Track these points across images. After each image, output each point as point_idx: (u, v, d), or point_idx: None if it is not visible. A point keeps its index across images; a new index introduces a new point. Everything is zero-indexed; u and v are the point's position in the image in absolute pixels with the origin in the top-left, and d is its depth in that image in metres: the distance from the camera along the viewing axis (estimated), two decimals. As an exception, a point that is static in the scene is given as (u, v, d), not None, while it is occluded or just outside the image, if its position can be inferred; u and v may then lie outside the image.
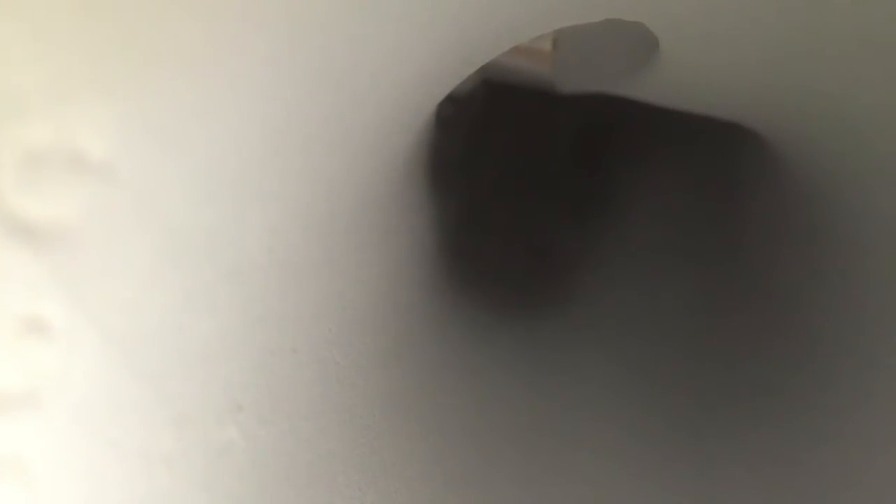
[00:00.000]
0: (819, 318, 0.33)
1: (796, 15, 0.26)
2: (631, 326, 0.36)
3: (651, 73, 0.30)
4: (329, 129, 0.22)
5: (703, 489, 0.30)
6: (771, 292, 0.35)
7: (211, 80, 0.16)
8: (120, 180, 0.15)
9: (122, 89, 0.14)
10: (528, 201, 0.39)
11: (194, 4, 0.15)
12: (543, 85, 0.34)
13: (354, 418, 0.25)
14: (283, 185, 0.21)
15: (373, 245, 0.27)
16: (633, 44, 0.28)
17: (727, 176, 0.37)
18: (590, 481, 0.31)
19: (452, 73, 0.26)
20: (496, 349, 0.34)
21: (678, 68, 0.30)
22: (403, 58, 0.23)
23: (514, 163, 0.39)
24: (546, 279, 0.37)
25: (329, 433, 0.24)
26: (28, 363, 0.15)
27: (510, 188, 0.38)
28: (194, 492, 0.18)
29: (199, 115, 0.16)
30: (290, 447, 0.21)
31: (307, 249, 0.22)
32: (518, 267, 0.37)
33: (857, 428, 0.29)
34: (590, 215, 0.39)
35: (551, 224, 0.39)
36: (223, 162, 0.17)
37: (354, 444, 0.26)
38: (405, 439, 0.29)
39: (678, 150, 0.38)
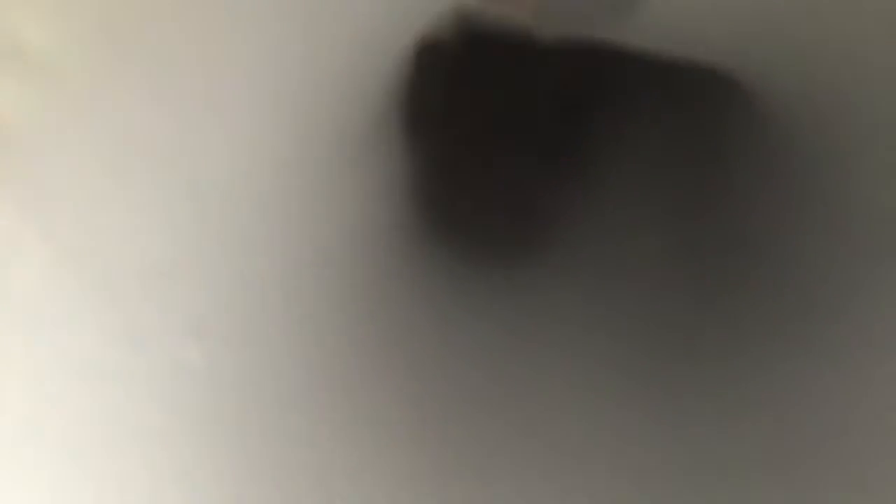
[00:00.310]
0: (792, 269, 0.33)
1: None
2: (608, 273, 0.36)
3: (636, 15, 0.30)
4: (302, 60, 0.22)
5: (670, 416, 0.31)
6: (748, 243, 0.35)
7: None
8: (62, 76, 0.14)
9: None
10: (507, 155, 0.39)
11: None
12: (524, 31, 0.34)
13: (324, 357, 0.25)
14: (250, 107, 0.20)
15: (344, 182, 0.27)
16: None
17: (710, 129, 0.36)
18: (566, 410, 0.31)
19: (424, 10, 0.25)
20: (471, 297, 0.34)
21: (665, 9, 0.30)
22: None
23: (493, 116, 0.39)
24: (523, 231, 0.37)
25: (297, 369, 0.23)
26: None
27: (489, 141, 0.38)
28: (150, 410, 0.17)
29: (160, 17, 0.15)
30: (255, 376, 0.21)
31: (274, 178, 0.22)
32: (494, 219, 0.36)
33: (814, 370, 0.30)
34: (569, 169, 0.39)
35: (529, 177, 0.38)
36: (185, 71, 0.17)
37: (324, 385, 0.26)
38: (377, 381, 0.29)
39: (661, 104, 0.38)
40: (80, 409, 0.15)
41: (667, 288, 0.36)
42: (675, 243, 0.37)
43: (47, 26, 0.13)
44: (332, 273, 0.28)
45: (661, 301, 0.36)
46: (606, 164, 0.39)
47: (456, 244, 0.34)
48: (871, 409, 0.28)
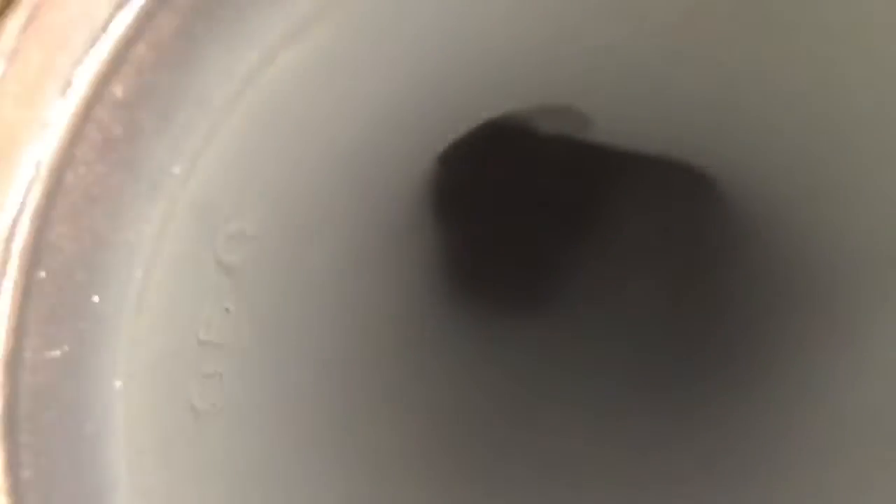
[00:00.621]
0: (755, 321, 0.40)
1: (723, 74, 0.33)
2: (605, 324, 0.44)
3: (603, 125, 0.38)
4: (357, 176, 0.31)
5: (652, 440, 0.38)
6: (722, 300, 0.43)
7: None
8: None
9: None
10: (523, 227, 0.48)
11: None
12: (528, 127, 0.43)
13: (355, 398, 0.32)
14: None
15: (388, 259, 0.36)
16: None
17: (686, 211, 0.45)
18: (568, 434, 0.38)
19: (445, 136, 0.34)
20: (488, 346, 0.42)
21: (617, 133, 0.38)
22: (408, 124, 0.32)
23: (510, 194, 0.48)
24: (535, 290, 0.46)
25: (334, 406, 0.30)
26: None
27: (512, 219, 0.47)
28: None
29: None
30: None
31: (333, 261, 0.30)
32: (512, 279, 0.45)
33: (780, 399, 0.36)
34: (577, 239, 0.48)
35: (544, 246, 0.47)
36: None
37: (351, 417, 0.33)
38: (402, 418, 0.36)
39: (649, 188, 0.46)
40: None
41: (654, 338, 0.44)
42: (659, 298, 0.45)
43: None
44: (380, 331, 0.35)
45: (649, 346, 0.43)
46: (607, 237, 0.47)
47: (478, 298, 0.43)
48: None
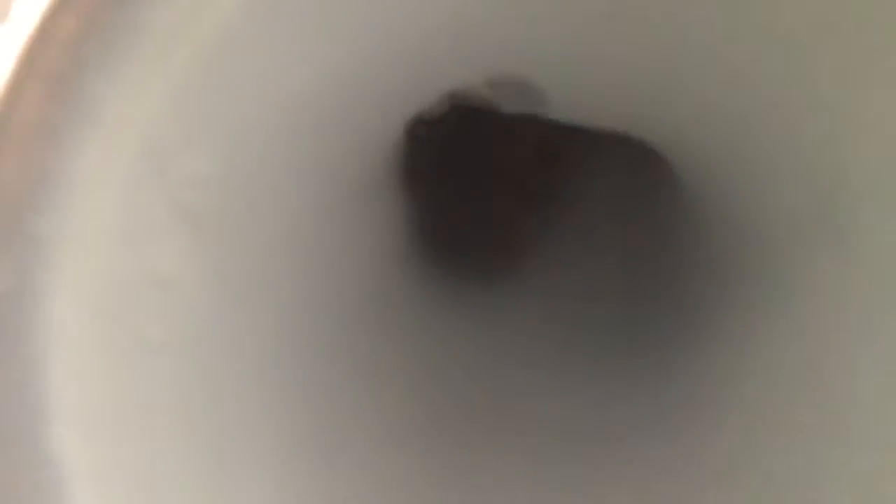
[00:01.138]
0: (706, 290, 0.41)
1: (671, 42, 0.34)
2: (569, 291, 0.45)
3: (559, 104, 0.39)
4: (318, 136, 0.31)
5: (618, 406, 0.39)
6: (673, 272, 0.44)
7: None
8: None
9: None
10: (493, 202, 0.48)
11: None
12: (492, 106, 0.44)
13: (320, 363, 0.33)
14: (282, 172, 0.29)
15: (354, 225, 0.36)
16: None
17: (641, 185, 0.45)
18: (532, 398, 0.39)
19: (406, 105, 0.35)
20: (455, 316, 0.43)
21: (573, 103, 0.39)
22: (367, 89, 0.32)
23: (480, 171, 0.48)
24: (502, 259, 0.46)
25: (299, 372, 0.31)
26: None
27: (477, 191, 0.48)
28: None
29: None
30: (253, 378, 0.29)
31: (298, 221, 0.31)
32: (479, 249, 0.46)
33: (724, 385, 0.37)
34: (544, 212, 0.48)
35: (511, 219, 0.48)
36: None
37: (315, 383, 0.33)
38: (371, 381, 0.37)
39: (607, 162, 0.47)
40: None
41: (612, 311, 0.45)
42: (620, 269, 0.46)
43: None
44: (343, 287, 0.36)
45: (606, 318, 0.44)
46: (571, 210, 0.48)
47: (446, 269, 0.44)
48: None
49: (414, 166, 0.43)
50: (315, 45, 0.25)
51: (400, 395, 0.36)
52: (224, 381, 0.24)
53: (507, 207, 0.48)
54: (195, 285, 0.22)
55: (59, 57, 0.19)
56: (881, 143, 0.29)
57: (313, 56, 0.25)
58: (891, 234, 0.30)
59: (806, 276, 0.34)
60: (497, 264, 0.47)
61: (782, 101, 0.32)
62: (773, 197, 0.34)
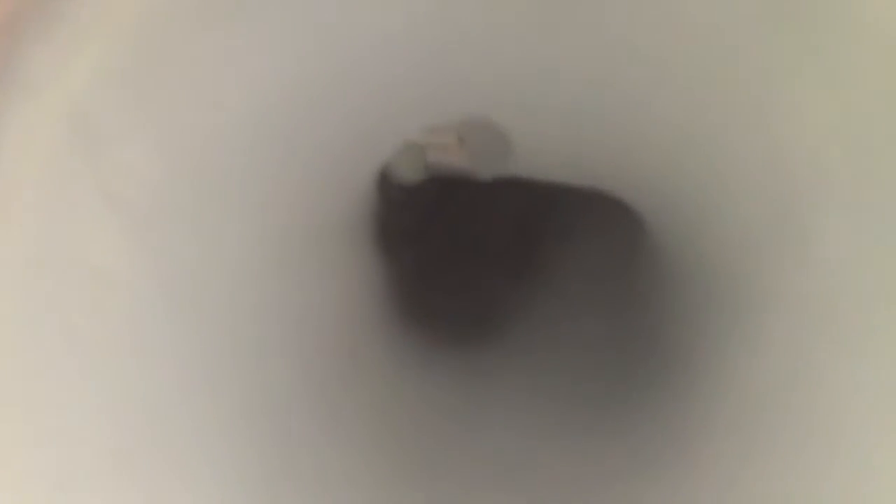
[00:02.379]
0: (679, 350, 0.40)
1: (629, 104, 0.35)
2: (549, 359, 0.44)
3: (530, 158, 0.39)
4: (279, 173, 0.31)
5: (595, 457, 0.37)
6: (650, 334, 0.43)
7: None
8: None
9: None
10: (473, 267, 0.48)
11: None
12: (469, 175, 0.44)
13: (275, 394, 0.31)
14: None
15: (326, 275, 0.36)
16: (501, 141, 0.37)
17: (618, 246, 0.45)
18: (514, 452, 0.37)
19: (368, 149, 0.35)
20: (433, 376, 0.42)
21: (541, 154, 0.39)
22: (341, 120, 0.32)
23: (461, 237, 0.48)
24: (481, 323, 0.46)
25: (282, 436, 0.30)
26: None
27: (457, 256, 0.47)
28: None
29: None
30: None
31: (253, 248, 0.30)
32: (457, 313, 0.45)
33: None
34: (523, 279, 0.48)
35: (491, 285, 0.47)
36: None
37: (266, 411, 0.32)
38: (349, 447, 0.35)
39: (583, 217, 0.47)
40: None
41: (594, 365, 0.43)
42: (599, 332, 0.45)
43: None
44: (312, 348, 0.35)
45: (588, 373, 0.43)
46: (551, 277, 0.47)
47: (424, 331, 0.43)
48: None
49: (391, 230, 0.43)
50: (271, 62, 0.25)
51: (359, 442, 0.34)
52: (160, 389, 0.23)
53: (484, 276, 0.48)
54: (130, 282, 0.22)
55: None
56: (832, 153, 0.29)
57: (268, 72, 0.25)
58: (848, 246, 0.29)
59: (774, 304, 0.33)
60: (474, 331, 0.46)
61: (740, 144, 0.32)
62: (734, 222, 0.34)
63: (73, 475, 0.21)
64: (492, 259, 0.48)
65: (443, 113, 0.34)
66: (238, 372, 0.29)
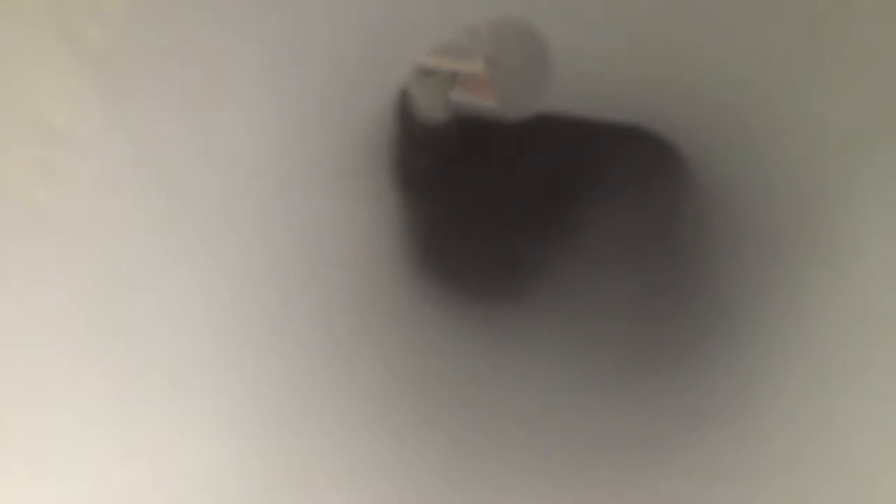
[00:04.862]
0: (719, 300, 0.36)
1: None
2: (576, 314, 0.39)
3: (566, 87, 0.35)
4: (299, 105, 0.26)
5: (625, 419, 0.32)
6: (695, 287, 0.38)
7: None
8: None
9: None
10: (497, 221, 0.43)
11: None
12: (496, 116, 0.39)
13: (318, 372, 0.28)
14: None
15: (340, 214, 0.31)
16: (540, 54, 0.33)
17: (651, 187, 0.40)
18: (535, 412, 0.33)
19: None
20: (454, 330, 0.37)
21: (583, 80, 0.34)
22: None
23: (485, 188, 0.43)
24: (507, 278, 0.40)
25: (298, 381, 0.26)
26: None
27: (480, 208, 0.42)
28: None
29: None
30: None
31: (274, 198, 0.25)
32: (482, 267, 0.40)
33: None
34: (552, 235, 0.43)
35: (517, 241, 0.42)
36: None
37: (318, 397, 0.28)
38: (365, 393, 0.31)
39: (614, 169, 0.42)
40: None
41: (621, 324, 0.39)
42: (632, 290, 0.40)
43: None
44: (328, 293, 0.31)
45: (613, 331, 0.38)
46: (579, 224, 0.42)
47: (446, 281, 0.38)
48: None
49: (410, 168, 0.38)
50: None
51: (374, 391, 0.29)
52: (130, 278, 0.18)
53: (509, 232, 0.43)
54: (96, 143, 0.17)
55: None
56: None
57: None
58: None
59: (821, 258, 0.28)
60: (498, 288, 0.41)
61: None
62: (782, 173, 0.29)
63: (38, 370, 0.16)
64: (518, 213, 0.43)
65: (473, 15, 0.29)
66: (240, 297, 0.24)
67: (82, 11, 0.16)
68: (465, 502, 0.28)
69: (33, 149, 0.16)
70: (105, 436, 0.21)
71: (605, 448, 0.32)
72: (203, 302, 0.23)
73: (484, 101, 0.39)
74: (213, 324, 0.24)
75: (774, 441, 0.29)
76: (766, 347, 0.32)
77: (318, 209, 0.31)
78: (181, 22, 0.18)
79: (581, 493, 0.29)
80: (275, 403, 0.27)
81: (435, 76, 0.37)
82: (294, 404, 0.27)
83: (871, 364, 0.26)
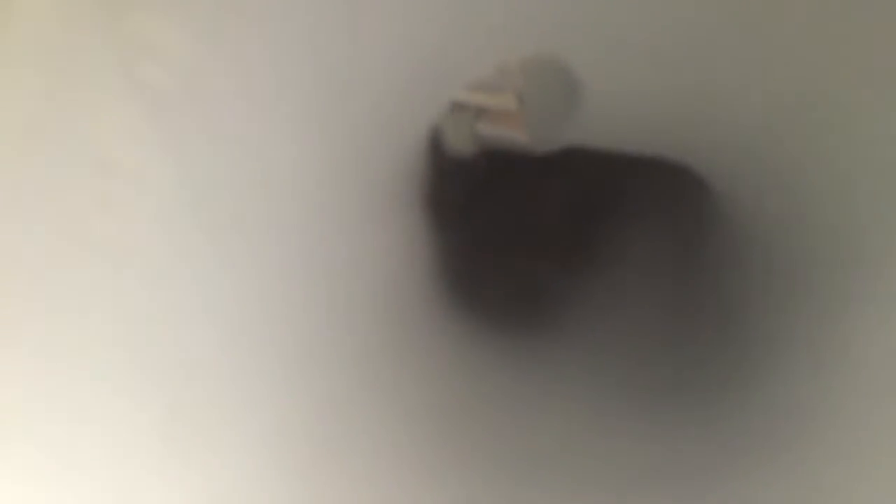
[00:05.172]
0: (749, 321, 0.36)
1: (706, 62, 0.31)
2: (603, 345, 0.39)
3: (593, 122, 0.35)
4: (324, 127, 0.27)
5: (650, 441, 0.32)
6: (715, 314, 0.38)
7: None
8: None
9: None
10: (523, 251, 0.43)
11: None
12: (524, 149, 0.40)
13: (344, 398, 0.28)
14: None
15: (370, 243, 0.32)
16: (569, 90, 0.33)
17: (677, 215, 0.41)
18: (563, 443, 0.33)
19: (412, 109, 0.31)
20: (480, 357, 0.37)
21: (610, 115, 0.35)
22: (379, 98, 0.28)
23: (511, 218, 0.44)
24: (533, 309, 0.41)
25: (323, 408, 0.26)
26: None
27: (506, 238, 0.43)
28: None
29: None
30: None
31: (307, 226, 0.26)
32: (508, 295, 0.40)
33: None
34: (574, 260, 0.43)
35: (541, 266, 0.43)
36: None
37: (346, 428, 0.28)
38: (393, 424, 0.31)
39: (640, 200, 0.42)
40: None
41: (648, 352, 0.39)
42: (659, 319, 0.40)
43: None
44: (360, 319, 0.31)
45: (640, 359, 0.38)
46: (605, 254, 0.43)
47: (473, 312, 0.38)
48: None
49: (440, 200, 0.39)
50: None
51: (401, 415, 0.29)
52: (181, 323, 0.19)
53: (535, 263, 0.43)
54: (154, 178, 0.18)
55: None
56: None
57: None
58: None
59: (838, 306, 0.29)
60: (524, 316, 0.41)
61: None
62: (805, 216, 0.30)
63: (73, 406, 0.17)
64: (543, 245, 0.43)
65: (504, 54, 0.30)
66: (279, 323, 0.24)
67: (142, 52, 0.17)
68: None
69: (92, 182, 0.17)
70: (147, 457, 0.21)
71: (632, 475, 0.32)
72: (244, 327, 0.24)
73: (513, 135, 0.40)
74: (252, 349, 0.24)
75: (814, 474, 0.29)
76: (799, 374, 0.32)
77: (354, 238, 0.31)
78: (234, 62, 0.18)
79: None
80: (305, 427, 0.27)
81: (465, 111, 0.38)
82: (322, 427, 0.28)
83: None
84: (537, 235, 0.44)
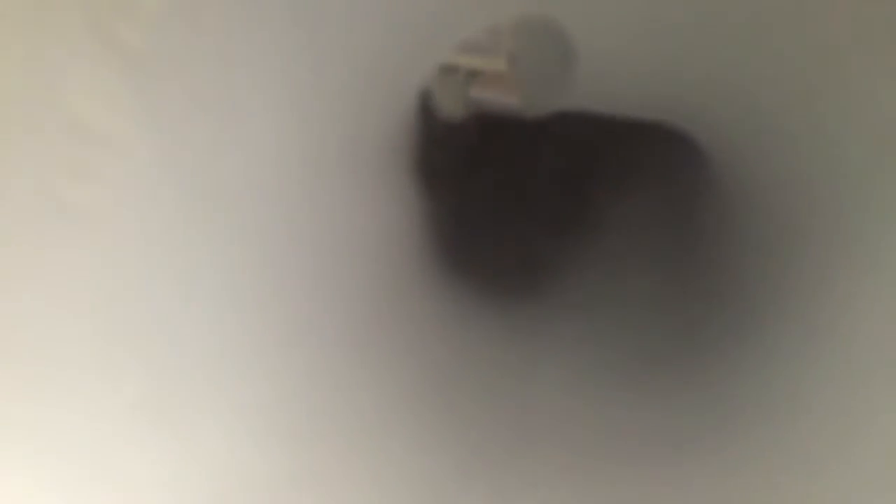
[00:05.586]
0: (734, 287, 0.35)
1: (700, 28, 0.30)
2: (597, 311, 0.39)
3: (587, 84, 0.34)
4: (314, 85, 0.26)
5: (645, 412, 0.32)
6: (713, 282, 0.38)
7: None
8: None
9: None
10: (515, 214, 0.43)
11: None
12: (516, 113, 0.39)
13: (335, 366, 0.28)
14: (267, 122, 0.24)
15: (359, 207, 0.31)
16: (563, 52, 0.32)
17: (673, 182, 0.40)
18: (555, 408, 0.32)
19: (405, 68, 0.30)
20: (474, 325, 0.37)
21: (605, 77, 0.34)
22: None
23: (505, 184, 0.43)
24: (527, 275, 0.40)
25: (312, 378, 0.26)
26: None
27: (500, 205, 0.42)
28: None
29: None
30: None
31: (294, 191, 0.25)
32: (501, 263, 0.40)
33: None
34: (568, 227, 0.42)
35: (534, 233, 0.42)
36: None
37: (334, 389, 0.28)
38: (384, 389, 0.31)
39: (636, 166, 0.41)
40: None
41: (643, 320, 0.38)
42: (654, 286, 0.40)
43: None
44: (350, 289, 0.31)
45: (635, 327, 0.38)
46: (597, 223, 0.42)
47: (464, 276, 0.38)
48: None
49: (431, 165, 0.38)
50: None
51: (394, 387, 0.29)
52: (162, 278, 0.18)
53: (529, 229, 0.43)
54: (130, 143, 0.17)
55: None
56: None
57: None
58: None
59: (835, 274, 0.28)
60: (518, 283, 0.40)
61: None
62: (802, 182, 0.29)
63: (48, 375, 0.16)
64: (538, 211, 0.42)
65: (495, 13, 0.29)
66: (265, 293, 0.24)
67: (117, 11, 0.16)
68: (492, 498, 0.28)
69: (66, 148, 0.16)
70: (135, 432, 0.21)
71: (630, 442, 0.32)
72: (231, 299, 0.23)
73: (505, 99, 0.39)
74: (240, 320, 0.24)
75: (805, 442, 0.29)
76: (792, 343, 0.32)
77: (342, 206, 0.31)
78: (212, 22, 0.17)
79: (609, 486, 0.29)
80: (297, 398, 0.27)
81: (456, 74, 0.37)
82: (313, 397, 0.27)
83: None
84: (530, 202, 0.43)
